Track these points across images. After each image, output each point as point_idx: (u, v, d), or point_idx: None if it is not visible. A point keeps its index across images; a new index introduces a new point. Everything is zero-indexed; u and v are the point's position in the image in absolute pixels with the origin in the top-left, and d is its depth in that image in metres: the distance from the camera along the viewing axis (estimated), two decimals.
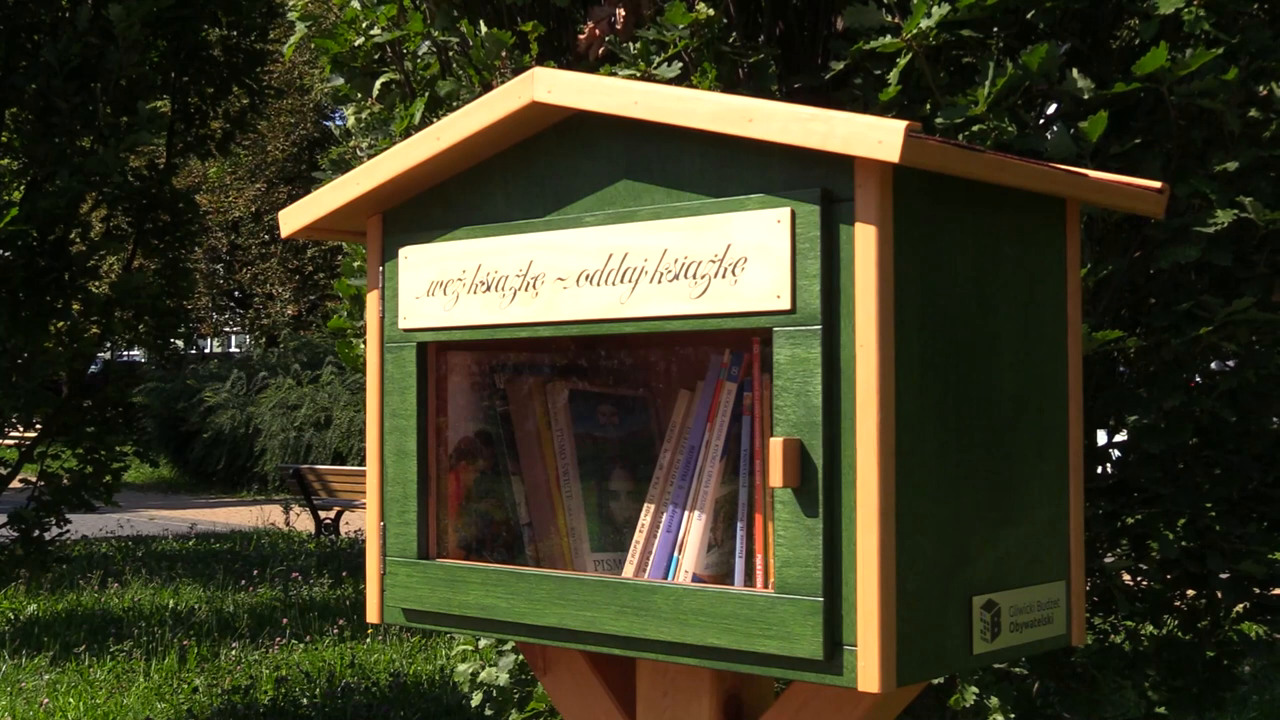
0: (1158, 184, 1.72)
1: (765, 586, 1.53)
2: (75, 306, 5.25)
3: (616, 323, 1.56)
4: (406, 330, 1.75)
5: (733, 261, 1.45)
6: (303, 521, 14.24)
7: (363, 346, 2.93)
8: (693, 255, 1.49)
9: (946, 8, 2.14)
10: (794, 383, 1.41)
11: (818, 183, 1.40)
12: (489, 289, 1.67)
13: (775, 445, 1.40)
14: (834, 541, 1.40)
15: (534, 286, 1.62)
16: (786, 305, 1.41)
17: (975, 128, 2.21)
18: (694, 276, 1.48)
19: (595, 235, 1.57)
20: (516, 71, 2.56)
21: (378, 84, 2.92)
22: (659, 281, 1.51)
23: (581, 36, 2.57)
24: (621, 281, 1.54)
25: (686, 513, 1.63)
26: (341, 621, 7.95)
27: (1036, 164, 1.54)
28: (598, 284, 1.57)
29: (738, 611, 1.45)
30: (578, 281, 1.58)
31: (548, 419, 1.83)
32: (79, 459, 5.43)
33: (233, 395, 18.57)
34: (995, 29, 2.32)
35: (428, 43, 2.83)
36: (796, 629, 1.40)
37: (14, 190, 5.13)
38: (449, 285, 1.71)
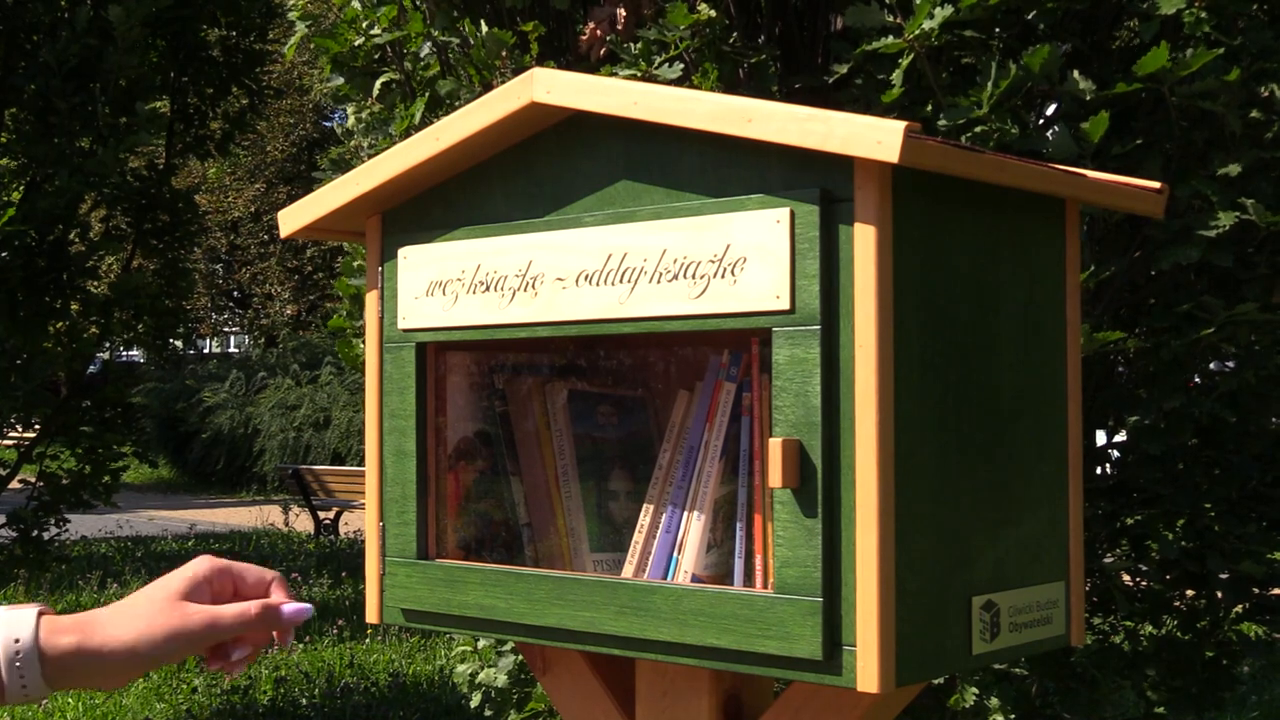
0: (1156, 184, 1.72)
1: (765, 587, 1.53)
2: (74, 307, 5.24)
3: (616, 323, 1.55)
4: (406, 330, 1.75)
5: (732, 262, 1.45)
6: (302, 522, 14.24)
7: (363, 346, 2.93)
8: (692, 255, 1.48)
9: (950, 9, 2.14)
10: (793, 383, 1.41)
11: (817, 183, 1.40)
12: (488, 289, 1.66)
13: (775, 445, 1.40)
14: (833, 542, 1.40)
15: (533, 286, 1.62)
16: (786, 305, 1.41)
17: (978, 129, 2.21)
18: (693, 277, 1.48)
19: (595, 235, 1.57)
20: (517, 71, 2.55)
21: (378, 84, 2.91)
22: (658, 282, 1.51)
23: (583, 37, 2.57)
24: (621, 282, 1.54)
25: (686, 513, 1.63)
26: (341, 622, 7.94)
27: (1036, 164, 1.54)
28: (597, 284, 1.56)
29: (737, 612, 1.45)
30: (577, 281, 1.58)
31: (547, 419, 1.83)
32: (78, 459, 5.43)
33: (232, 395, 18.58)
34: (996, 29, 2.32)
35: (429, 44, 2.83)
36: (796, 629, 1.40)
37: (13, 190, 5.13)
38: (448, 285, 1.70)
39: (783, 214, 1.41)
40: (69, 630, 1.13)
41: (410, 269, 1.74)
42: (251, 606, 1.22)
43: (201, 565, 1.24)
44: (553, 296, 1.60)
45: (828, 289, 1.40)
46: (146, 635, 1.16)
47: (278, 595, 1.26)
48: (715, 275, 1.46)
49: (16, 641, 1.10)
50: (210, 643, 1.21)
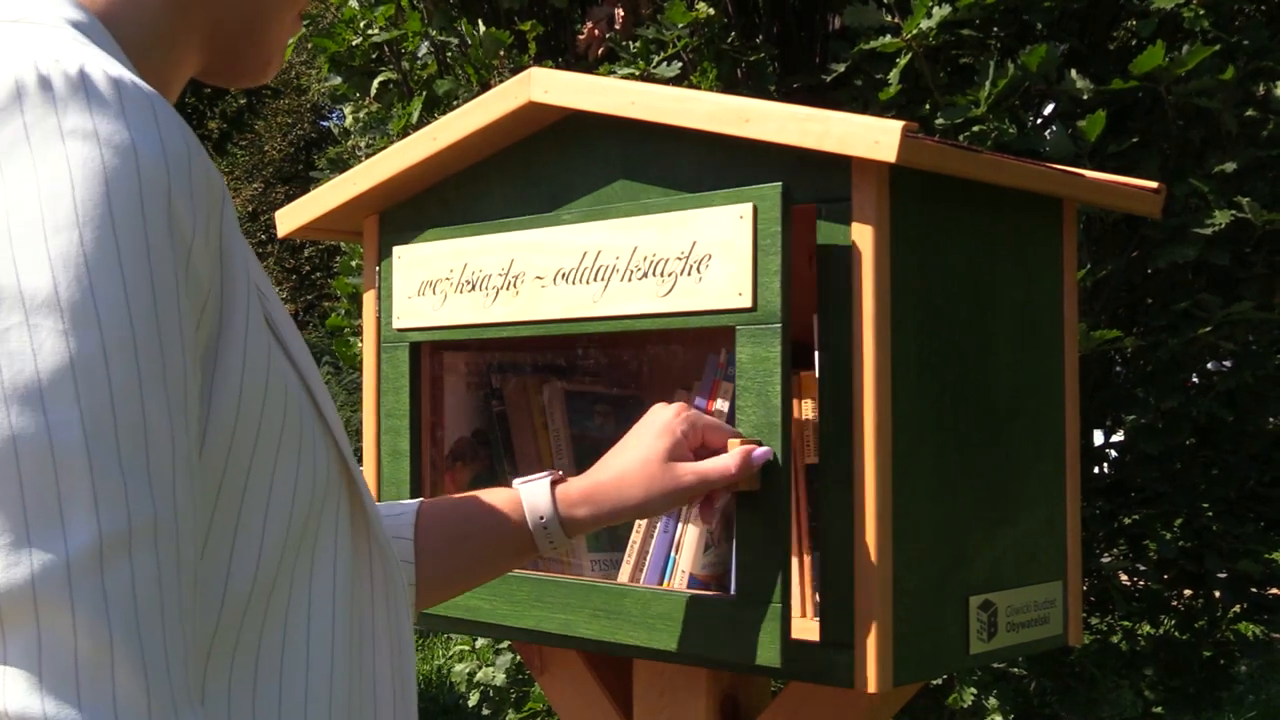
0: (1154, 184, 1.72)
1: None
2: None
3: (589, 321, 1.54)
4: (400, 330, 1.75)
5: (698, 259, 1.43)
6: None
7: (360, 345, 2.92)
8: (661, 253, 1.46)
9: (948, 9, 2.14)
10: (754, 383, 1.39)
11: (813, 183, 1.40)
12: (474, 288, 1.66)
13: (734, 447, 1.37)
14: (830, 542, 1.39)
15: (514, 285, 1.61)
16: (747, 303, 1.39)
17: (975, 128, 2.20)
18: (662, 274, 1.47)
19: (572, 234, 1.55)
20: (514, 71, 2.55)
21: (375, 83, 2.91)
22: (629, 280, 1.49)
23: (581, 37, 2.57)
24: (594, 280, 1.53)
25: (683, 512, 1.62)
26: None
27: (1033, 164, 1.54)
28: (573, 283, 1.55)
29: (704, 616, 1.43)
30: (555, 280, 1.57)
31: (544, 419, 1.83)
32: None
33: None
34: (994, 29, 2.32)
35: (426, 43, 2.83)
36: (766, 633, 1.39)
37: None
38: (438, 285, 1.70)
39: (745, 209, 1.39)
40: (581, 503, 1.34)
41: (404, 268, 1.74)
42: (731, 465, 1.34)
43: (677, 424, 1.36)
44: (533, 295, 1.59)
45: (789, 286, 1.37)
46: (650, 499, 1.34)
47: (737, 445, 1.37)
48: (682, 273, 1.45)
49: (542, 518, 1.33)
50: (697, 495, 1.36)
